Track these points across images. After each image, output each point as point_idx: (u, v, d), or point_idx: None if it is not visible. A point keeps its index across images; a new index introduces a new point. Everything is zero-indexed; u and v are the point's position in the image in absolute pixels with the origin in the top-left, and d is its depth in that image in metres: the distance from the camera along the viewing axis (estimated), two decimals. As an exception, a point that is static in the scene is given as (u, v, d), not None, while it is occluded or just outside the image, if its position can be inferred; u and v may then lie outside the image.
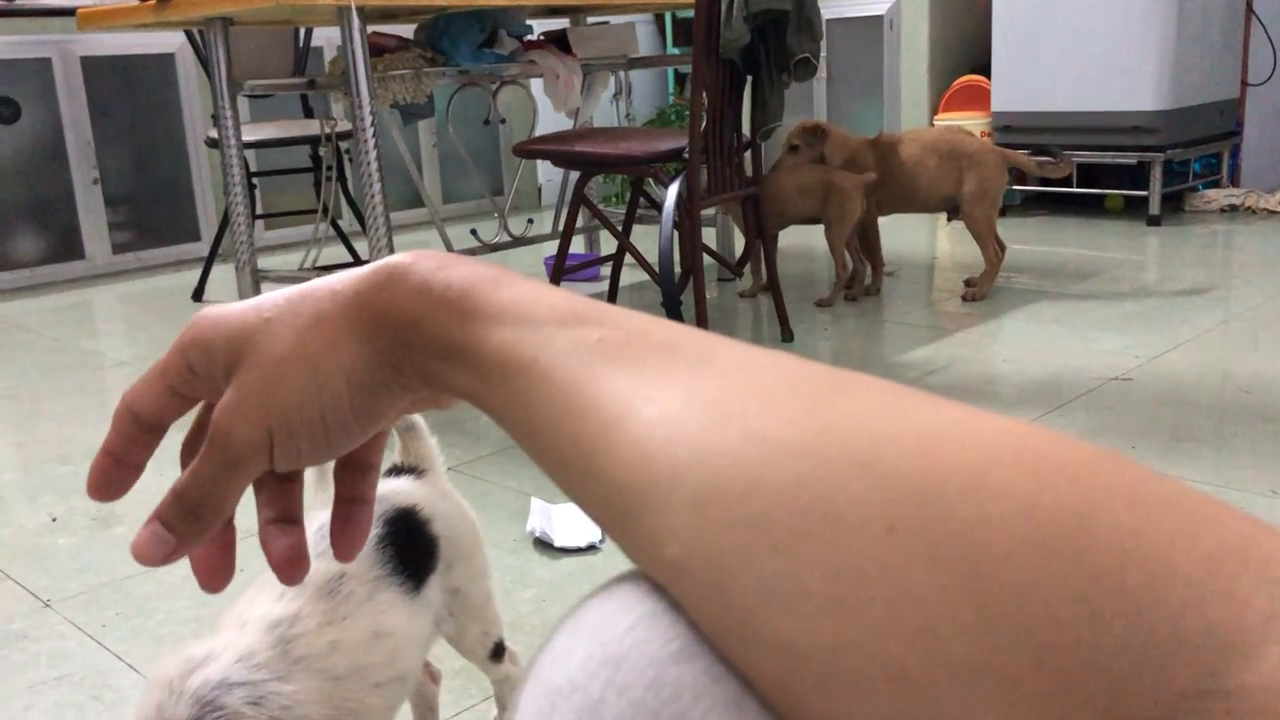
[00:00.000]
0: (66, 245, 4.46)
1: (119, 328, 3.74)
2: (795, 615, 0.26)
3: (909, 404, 0.29)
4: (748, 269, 3.57)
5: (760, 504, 0.27)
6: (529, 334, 0.35)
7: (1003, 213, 3.73)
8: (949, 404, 0.29)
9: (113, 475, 0.43)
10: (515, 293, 0.37)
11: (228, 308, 0.42)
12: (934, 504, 0.26)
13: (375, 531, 1.00)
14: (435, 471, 1.12)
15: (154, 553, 0.41)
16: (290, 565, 0.45)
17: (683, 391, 0.31)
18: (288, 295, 0.41)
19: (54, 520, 1.99)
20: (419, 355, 0.38)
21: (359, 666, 0.94)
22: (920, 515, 0.26)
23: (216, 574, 0.45)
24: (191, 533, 0.41)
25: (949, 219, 3.41)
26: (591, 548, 1.74)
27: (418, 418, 1.11)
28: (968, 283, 3.40)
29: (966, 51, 5.10)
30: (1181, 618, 0.23)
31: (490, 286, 0.37)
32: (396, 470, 1.10)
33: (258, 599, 0.94)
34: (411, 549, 1.01)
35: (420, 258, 0.39)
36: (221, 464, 0.40)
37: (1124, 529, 0.24)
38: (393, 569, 0.99)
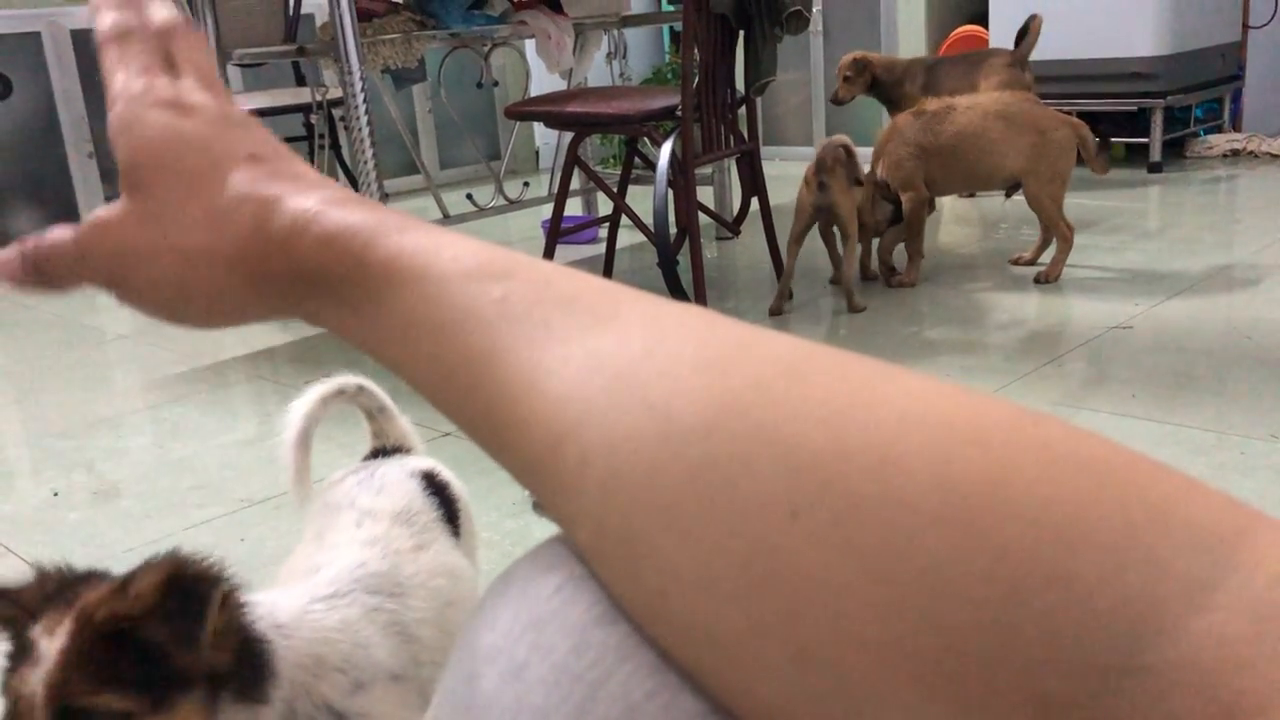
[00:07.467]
0: (63, 220, 4.39)
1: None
2: (705, 601, 0.26)
3: (816, 367, 0.28)
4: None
5: (665, 489, 0.27)
6: (432, 290, 0.34)
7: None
8: (857, 363, 0.28)
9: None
10: (415, 240, 0.36)
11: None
12: (838, 483, 0.25)
13: (415, 482, 1.00)
14: (417, 449, 1.12)
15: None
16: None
17: (588, 360, 0.30)
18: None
19: (56, 495, 2.00)
20: (316, 299, 0.37)
21: (448, 598, 0.94)
22: (824, 496, 0.25)
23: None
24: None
25: (1008, 195, 2.98)
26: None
27: (387, 399, 1.10)
28: (1019, 260, 3.03)
29: (964, 1, 5.04)
30: (1099, 591, 0.22)
31: (389, 229, 0.36)
32: (383, 452, 1.09)
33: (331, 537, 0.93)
34: (444, 502, 1.03)
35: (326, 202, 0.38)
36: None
37: (1038, 498, 0.23)
38: (440, 515, 1.00)
